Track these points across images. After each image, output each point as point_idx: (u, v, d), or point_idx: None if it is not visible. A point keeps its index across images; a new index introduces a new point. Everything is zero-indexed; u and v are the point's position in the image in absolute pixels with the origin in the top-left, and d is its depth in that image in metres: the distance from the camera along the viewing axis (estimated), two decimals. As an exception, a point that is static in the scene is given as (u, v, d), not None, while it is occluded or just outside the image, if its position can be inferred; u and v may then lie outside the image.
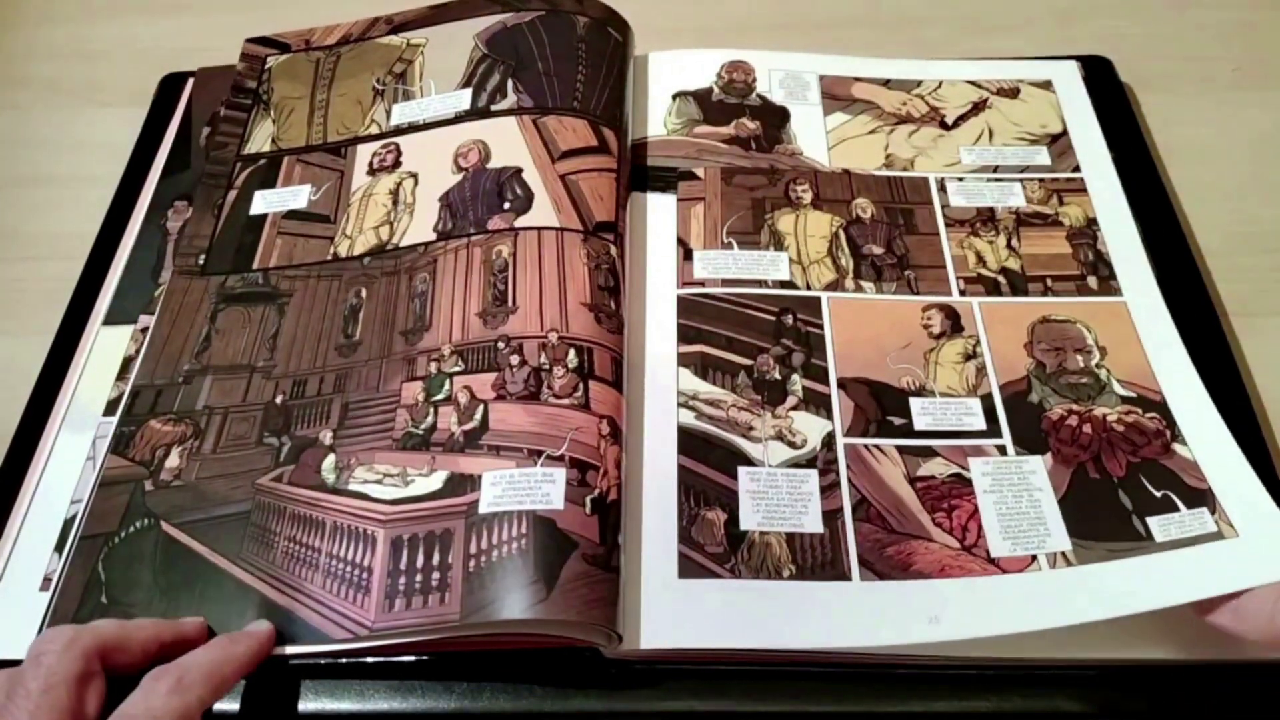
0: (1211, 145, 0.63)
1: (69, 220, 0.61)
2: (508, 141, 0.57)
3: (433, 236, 0.55)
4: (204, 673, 0.38)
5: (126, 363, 0.53)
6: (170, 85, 0.66)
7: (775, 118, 0.62)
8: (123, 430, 0.50)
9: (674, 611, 0.43)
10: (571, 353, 0.49)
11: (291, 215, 0.58)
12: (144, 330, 0.54)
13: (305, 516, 0.46)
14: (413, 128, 0.60)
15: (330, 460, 0.48)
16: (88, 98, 0.69)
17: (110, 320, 0.55)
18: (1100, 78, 0.64)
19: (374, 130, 0.61)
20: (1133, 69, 0.65)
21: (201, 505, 0.47)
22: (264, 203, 0.58)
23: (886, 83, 0.65)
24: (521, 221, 0.54)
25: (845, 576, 0.44)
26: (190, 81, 0.66)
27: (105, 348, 0.54)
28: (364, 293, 0.54)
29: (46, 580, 0.46)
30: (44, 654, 0.37)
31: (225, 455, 0.49)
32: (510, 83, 0.60)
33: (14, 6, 0.75)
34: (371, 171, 0.59)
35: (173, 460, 0.48)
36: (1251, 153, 0.63)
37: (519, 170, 0.56)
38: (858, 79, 0.65)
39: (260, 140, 0.62)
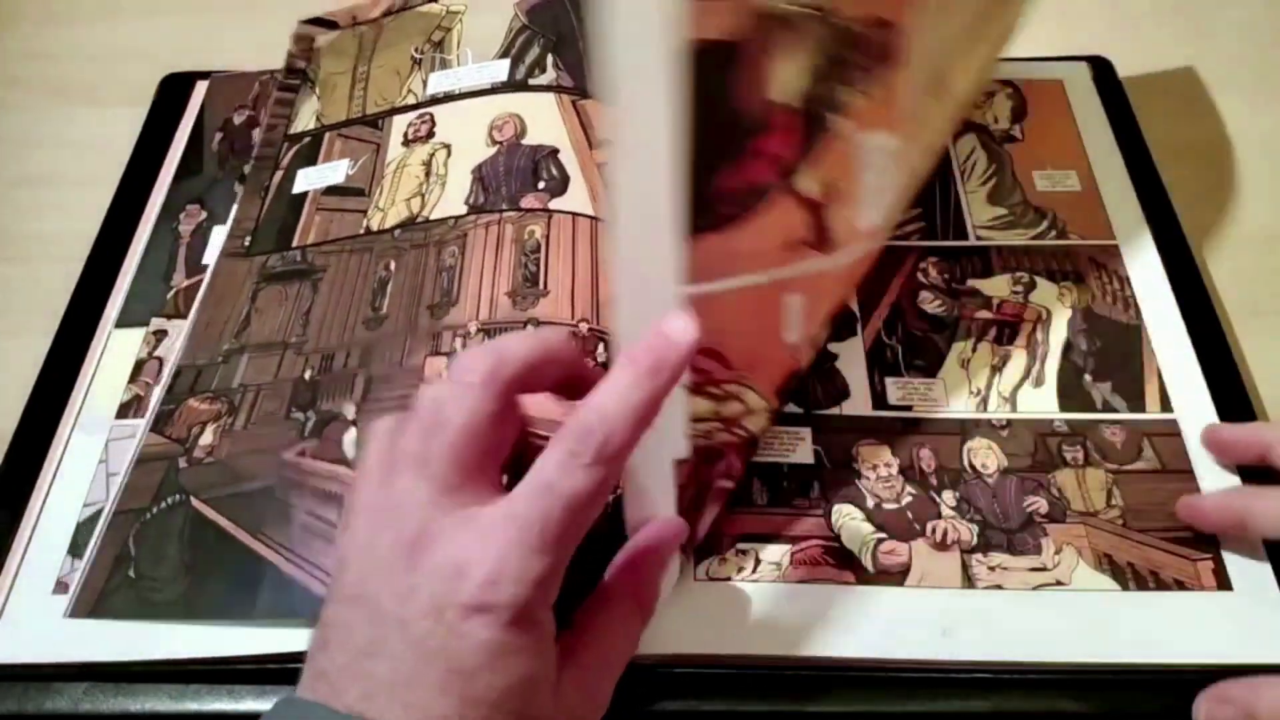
0: (1212, 145, 0.63)
1: (69, 220, 0.60)
2: (545, 118, 0.57)
3: (463, 209, 0.54)
4: (627, 435, 0.33)
5: (139, 365, 0.53)
6: (171, 85, 0.66)
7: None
8: (163, 409, 0.50)
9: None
10: (601, 346, 0.48)
11: (330, 191, 0.58)
12: (156, 333, 0.54)
13: (325, 491, 0.46)
14: (448, 97, 0.60)
15: (351, 434, 0.48)
16: (88, 98, 0.68)
17: (122, 323, 0.55)
18: (1101, 78, 0.63)
19: (410, 100, 0.60)
20: (1133, 69, 0.65)
21: (230, 481, 0.47)
22: (306, 180, 0.58)
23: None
24: (556, 204, 0.53)
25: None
26: (201, 86, 0.66)
27: (117, 350, 0.53)
28: (392, 265, 0.53)
29: (60, 584, 0.45)
30: (465, 385, 0.34)
31: (255, 431, 0.49)
32: (550, 58, 0.59)
33: (14, 6, 0.74)
34: (406, 143, 0.58)
35: (206, 438, 0.49)
36: (1251, 153, 0.63)
37: (555, 150, 0.55)
38: None
39: (306, 118, 0.61)
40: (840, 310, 0.49)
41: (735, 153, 0.36)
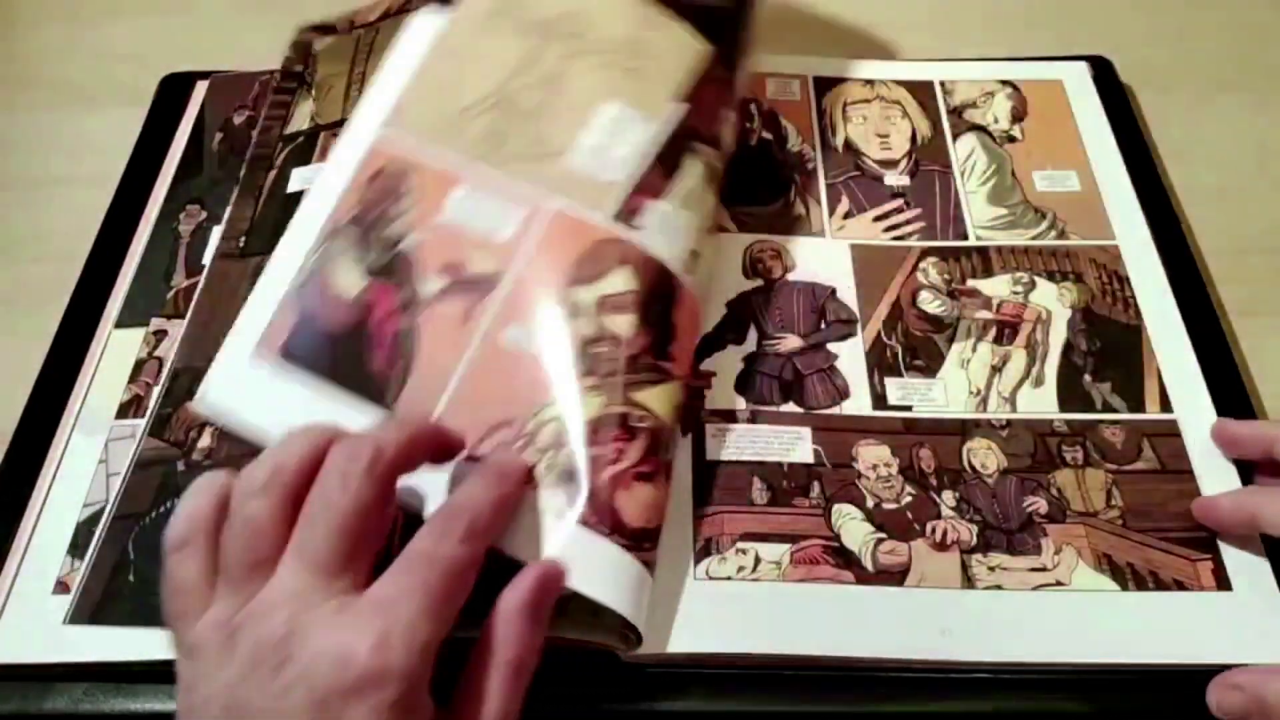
0: (1212, 145, 0.63)
1: (69, 220, 0.60)
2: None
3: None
4: (491, 519, 0.38)
5: (139, 365, 0.53)
6: (171, 85, 0.66)
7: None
8: (162, 412, 0.50)
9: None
10: None
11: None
12: (156, 333, 0.54)
13: None
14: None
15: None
16: (88, 98, 0.68)
17: (122, 323, 0.55)
18: (1101, 78, 0.63)
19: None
20: (1133, 69, 0.65)
21: (224, 481, 0.47)
22: (300, 179, 0.58)
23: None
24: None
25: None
26: (202, 86, 0.66)
27: (117, 350, 0.53)
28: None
29: (60, 584, 0.45)
30: (349, 474, 0.36)
31: (249, 430, 0.49)
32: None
33: (14, 6, 0.74)
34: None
35: (205, 440, 0.49)
36: (1252, 153, 0.63)
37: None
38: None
39: (300, 119, 0.61)
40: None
41: (369, 349, 0.45)
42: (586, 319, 0.45)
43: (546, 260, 0.46)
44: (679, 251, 0.48)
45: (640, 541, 0.42)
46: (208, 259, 0.56)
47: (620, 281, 0.46)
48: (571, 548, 0.41)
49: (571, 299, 0.45)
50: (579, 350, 0.44)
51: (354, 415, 0.43)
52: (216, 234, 0.57)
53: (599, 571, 0.40)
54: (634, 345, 0.45)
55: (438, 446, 0.40)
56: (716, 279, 0.54)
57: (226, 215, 0.57)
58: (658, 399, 0.44)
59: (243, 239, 0.56)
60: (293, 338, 0.45)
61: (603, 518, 0.41)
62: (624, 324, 0.45)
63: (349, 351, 0.45)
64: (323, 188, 0.49)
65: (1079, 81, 0.63)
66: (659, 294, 0.46)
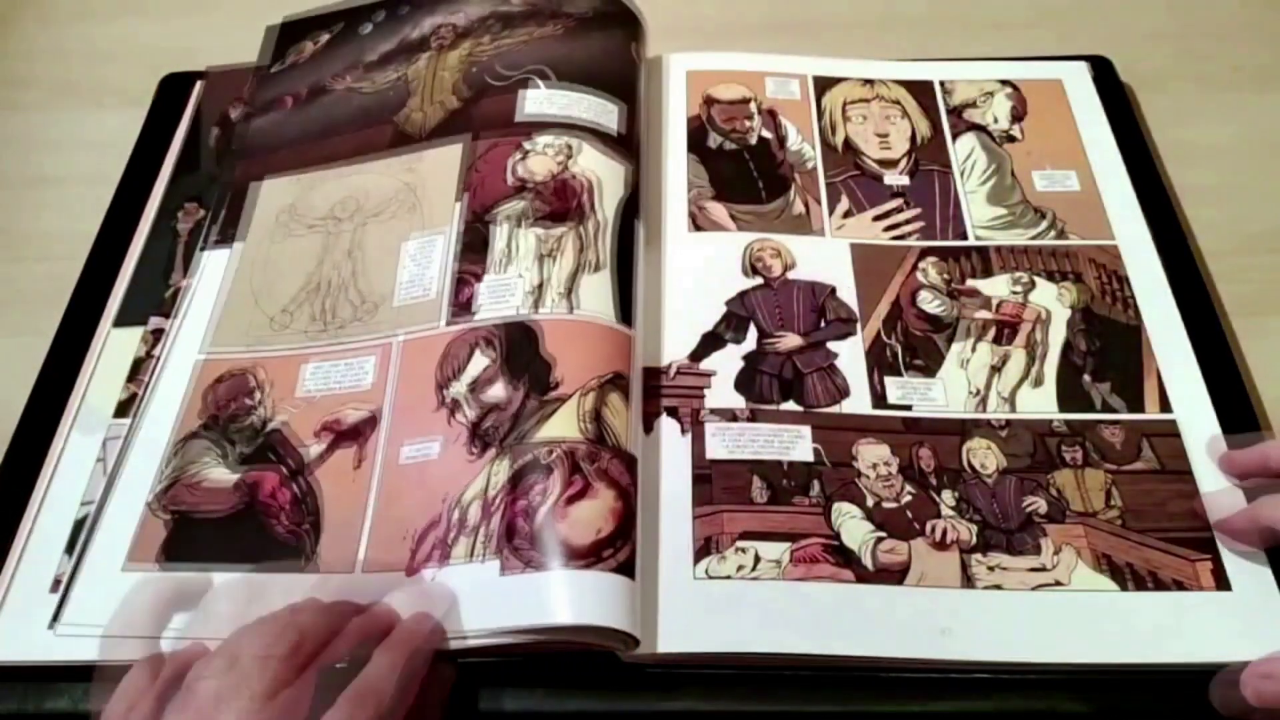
0: (1211, 145, 0.63)
1: (69, 220, 0.60)
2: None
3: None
4: (397, 696, 0.38)
5: (137, 364, 0.53)
6: (171, 85, 0.66)
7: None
8: None
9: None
10: None
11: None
12: (154, 332, 0.54)
13: None
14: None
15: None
16: (88, 98, 0.69)
17: (120, 322, 0.55)
18: (1101, 78, 0.64)
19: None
20: (1133, 69, 0.65)
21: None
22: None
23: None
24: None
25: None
26: (199, 84, 0.66)
27: (115, 349, 0.53)
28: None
29: (56, 581, 0.45)
30: (270, 658, 0.37)
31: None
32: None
33: (14, 6, 0.74)
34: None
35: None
36: (1252, 153, 0.63)
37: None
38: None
39: None
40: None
41: (267, 520, 0.46)
42: (467, 407, 0.47)
43: (413, 381, 0.49)
44: (519, 300, 0.50)
45: (600, 552, 0.42)
46: (206, 258, 0.56)
47: (480, 361, 0.48)
48: (536, 592, 0.41)
49: (449, 398, 0.47)
50: (472, 435, 0.46)
51: (272, 584, 0.44)
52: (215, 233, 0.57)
53: (571, 600, 0.41)
54: (513, 403, 0.47)
55: (369, 630, 0.41)
56: (708, 273, 0.55)
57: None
58: (558, 426, 0.46)
59: None
60: (170, 541, 0.46)
61: (556, 551, 0.42)
62: (499, 391, 0.47)
63: (245, 530, 0.46)
64: (157, 408, 0.50)
65: (1079, 81, 0.63)
66: (518, 348, 0.48)
